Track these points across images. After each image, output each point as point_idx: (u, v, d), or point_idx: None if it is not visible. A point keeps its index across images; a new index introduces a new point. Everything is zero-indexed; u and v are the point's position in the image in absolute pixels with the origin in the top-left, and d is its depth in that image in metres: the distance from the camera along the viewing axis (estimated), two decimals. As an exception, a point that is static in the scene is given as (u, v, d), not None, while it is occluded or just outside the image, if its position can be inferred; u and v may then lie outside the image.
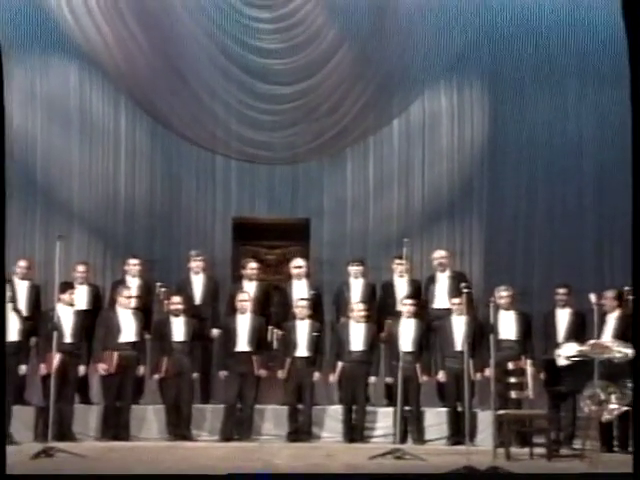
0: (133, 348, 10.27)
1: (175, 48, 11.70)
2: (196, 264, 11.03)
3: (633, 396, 5.58)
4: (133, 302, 10.58)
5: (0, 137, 5.85)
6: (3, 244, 5.77)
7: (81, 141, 12.15)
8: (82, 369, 10.21)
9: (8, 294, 9.89)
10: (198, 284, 11.01)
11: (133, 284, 10.85)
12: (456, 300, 10.22)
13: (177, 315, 10.41)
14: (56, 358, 9.44)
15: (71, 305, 10.19)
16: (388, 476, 5.99)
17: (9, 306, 9.89)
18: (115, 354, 10.15)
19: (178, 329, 10.38)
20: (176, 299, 10.49)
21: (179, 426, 10.24)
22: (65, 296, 10.05)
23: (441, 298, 10.85)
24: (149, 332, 10.66)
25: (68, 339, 9.97)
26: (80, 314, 10.29)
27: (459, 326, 10.10)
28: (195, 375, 10.42)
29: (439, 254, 11.18)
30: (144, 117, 12.05)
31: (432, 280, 11.07)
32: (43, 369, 9.89)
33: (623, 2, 5.71)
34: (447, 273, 10.99)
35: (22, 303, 10.45)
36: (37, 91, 12.11)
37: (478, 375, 10.03)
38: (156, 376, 10.37)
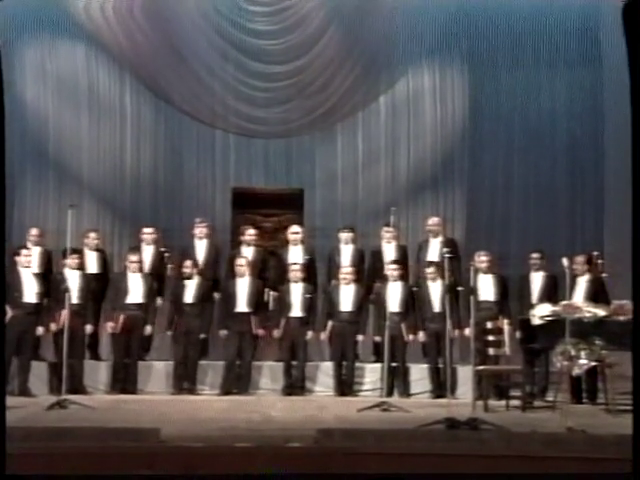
0: (139, 309, 10.24)
1: (175, 29, 11.66)
2: (199, 230, 10.96)
3: (632, 391, 5.54)
4: (145, 267, 10.58)
5: (0, 133, 5.68)
6: (3, 236, 5.64)
7: (89, 116, 12.02)
8: (89, 328, 10.17)
9: (27, 259, 9.94)
10: (201, 249, 10.93)
11: (147, 251, 10.82)
12: (433, 267, 10.23)
13: (188, 278, 10.39)
14: (63, 315, 9.36)
15: (79, 269, 10.13)
16: (388, 476, 5.98)
17: (28, 270, 9.92)
18: (121, 315, 10.15)
19: (189, 291, 10.37)
20: (187, 263, 10.45)
21: (184, 380, 10.24)
22: (68, 261, 9.93)
23: (432, 262, 10.79)
24: (161, 295, 10.66)
25: (75, 300, 9.82)
26: (87, 277, 10.25)
27: (437, 289, 10.14)
28: (202, 335, 10.39)
29: (433, 221, 11.08)
30: (148, 94, 11.98)
31: (425, 245, 11.01)
32: (53, 327, 9.86)
33: (624, 4, 5.64)
34: (439, 239, 10.90)
35: (34, 268, 10.32)
36: (47, 70, 11.97)
37: (456, 332, 10.03)
38: (169, 332, 10.38)
